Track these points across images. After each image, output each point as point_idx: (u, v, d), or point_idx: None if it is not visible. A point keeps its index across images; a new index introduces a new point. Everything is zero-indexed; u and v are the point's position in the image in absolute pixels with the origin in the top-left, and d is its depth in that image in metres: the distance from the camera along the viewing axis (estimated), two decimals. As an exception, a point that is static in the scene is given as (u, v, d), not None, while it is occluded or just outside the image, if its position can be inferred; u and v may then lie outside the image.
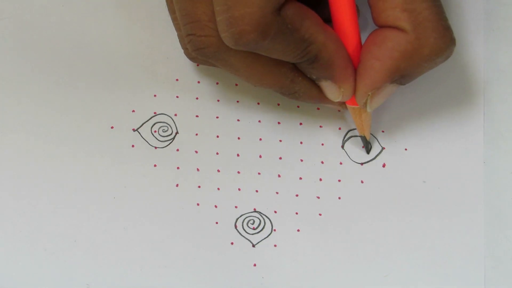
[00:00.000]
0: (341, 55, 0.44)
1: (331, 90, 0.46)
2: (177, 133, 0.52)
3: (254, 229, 0.51)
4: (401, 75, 0.45)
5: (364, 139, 0.51)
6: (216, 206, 0.51)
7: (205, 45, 0.44)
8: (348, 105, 0.49)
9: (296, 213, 0.51)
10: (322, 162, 0.52)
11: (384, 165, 0.52)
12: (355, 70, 0.46)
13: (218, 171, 0.52)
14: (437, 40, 0.43)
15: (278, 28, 0.41)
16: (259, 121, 0.53)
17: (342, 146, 0.52)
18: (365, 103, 0.46)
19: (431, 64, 0.44)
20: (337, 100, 0.47)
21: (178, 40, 0.49)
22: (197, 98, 0.53)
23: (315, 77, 0.46)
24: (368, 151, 0.52)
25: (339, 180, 0.52)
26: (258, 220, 0.51)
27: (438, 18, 0.43)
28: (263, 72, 0.45)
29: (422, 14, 0.43)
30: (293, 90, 0.46)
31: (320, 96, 0.47)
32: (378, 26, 0.45)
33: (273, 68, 0.45)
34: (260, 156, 0.52)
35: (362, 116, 0.49)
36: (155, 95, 0.52)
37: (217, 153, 0.52)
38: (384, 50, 0.44)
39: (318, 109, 0.53)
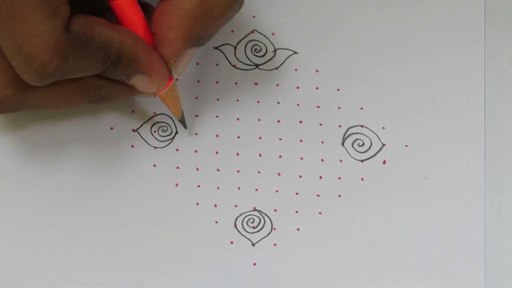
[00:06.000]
0: (141, 46, 0.43)
1: (144, 83, 0.45)
2: (176, 133, 0.52)
3: (254, 228, 0.51)
4: (198, 38, 0.44)
5: (182, 119, 0.50)
6: (215, 205, 0.51)
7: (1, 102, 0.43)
8: (156, 94, 0.48)
9: (296, 212, 0.51)
10: (322, 160, 0.52)
11: (384, 162, 0.52)
12: (159, 55, 0.45)
13: (218, 170, 0.52)
14: None
15: (74, 45, 0.40)
16: (259, 120, 0.52)
17: (342, 144, 0.52)
18: (170, 71, 0.46)
19: (225, 20, 0.44)
20: (154, 91, 0.46)
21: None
22: (196, 98, 0.53)
23: (124, 77, 0.44)
24: (185, 127, 0.51)
25: (339, 178, 0.51)
26: (258, 219, 0.51)
27: None
28: (68, 95, 0.44)
29: None
30: (101, 95, 0.45)
31: (129, 90, 0.46)
32: None
33: (74, 86, 0.44)
34: (260, 155, 0.52)
35: (173, 96, 0.49)
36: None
37: (217, 152, 0.52)
38: (175, 19, 0.43)
39: (318, 107, 0.53)
